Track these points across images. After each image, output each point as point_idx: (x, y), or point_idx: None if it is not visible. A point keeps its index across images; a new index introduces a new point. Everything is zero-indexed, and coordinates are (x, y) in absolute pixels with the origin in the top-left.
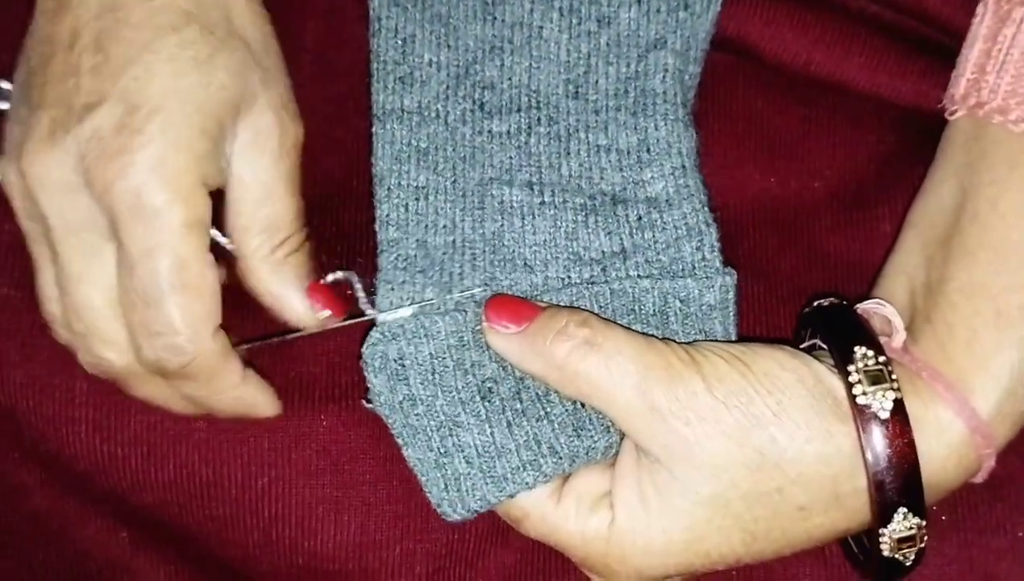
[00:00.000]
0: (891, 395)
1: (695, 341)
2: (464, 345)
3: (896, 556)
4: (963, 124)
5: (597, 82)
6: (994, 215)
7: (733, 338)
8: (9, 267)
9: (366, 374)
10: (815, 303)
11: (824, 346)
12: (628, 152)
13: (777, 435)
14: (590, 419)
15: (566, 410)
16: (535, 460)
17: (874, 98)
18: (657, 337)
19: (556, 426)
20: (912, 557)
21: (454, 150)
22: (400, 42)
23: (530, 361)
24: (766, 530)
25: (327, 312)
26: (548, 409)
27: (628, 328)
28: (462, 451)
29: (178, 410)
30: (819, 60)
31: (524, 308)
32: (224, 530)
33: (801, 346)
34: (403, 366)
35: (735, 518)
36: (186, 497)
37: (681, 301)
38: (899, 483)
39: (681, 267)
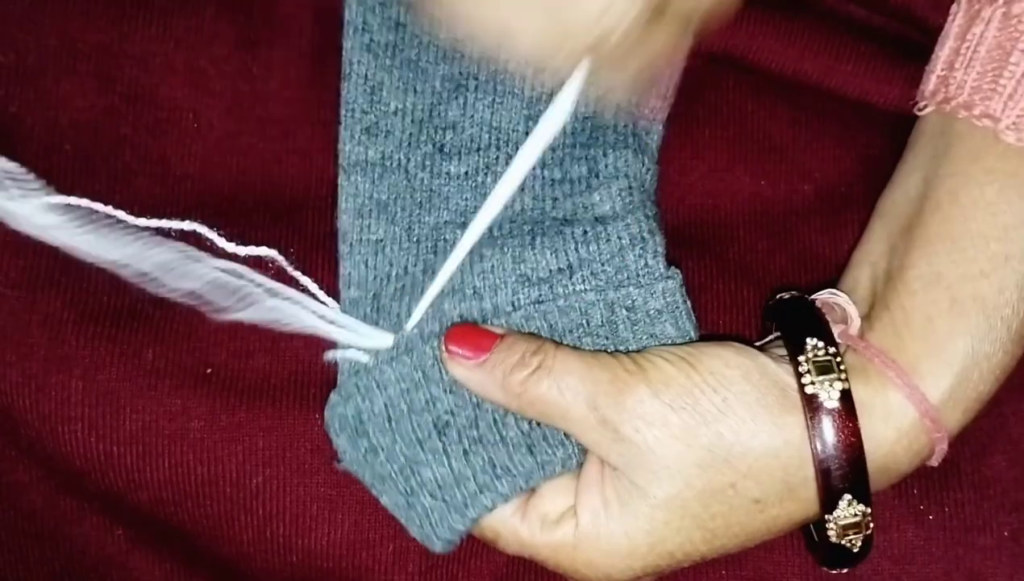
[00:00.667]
0: (839, 385)
1: (646, 347)
2: (416, 385)
3: (843, 542)
4: (932, 119)
5: None
6: (955, 206)
7: (692, 335)
8: (5, 266)
9: (329, 435)
10: (777, 296)
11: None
12: (579, 180)
13: (724, 431)
14: (545, 436)
15: (521, 431)
16: (491, 483)
17: (862, 103)
18: (608, 349)
19: (511, 447)
20: (859, 544)
21: (411, 198)
22: (368, 90)
23: (491, 391)
24: (725, 526)
25: None
26: (504, 432)
27: (578, 348)
28: (425, 487)
29: None
30: (808, 69)
31: (482, 338)
32: (219, 528)
33: (765, 339)
34: (361, 421)
35: (693, 517)
36: (181, 495)
37: (627, 310)
38: (844, 470)
39: (626, 276)
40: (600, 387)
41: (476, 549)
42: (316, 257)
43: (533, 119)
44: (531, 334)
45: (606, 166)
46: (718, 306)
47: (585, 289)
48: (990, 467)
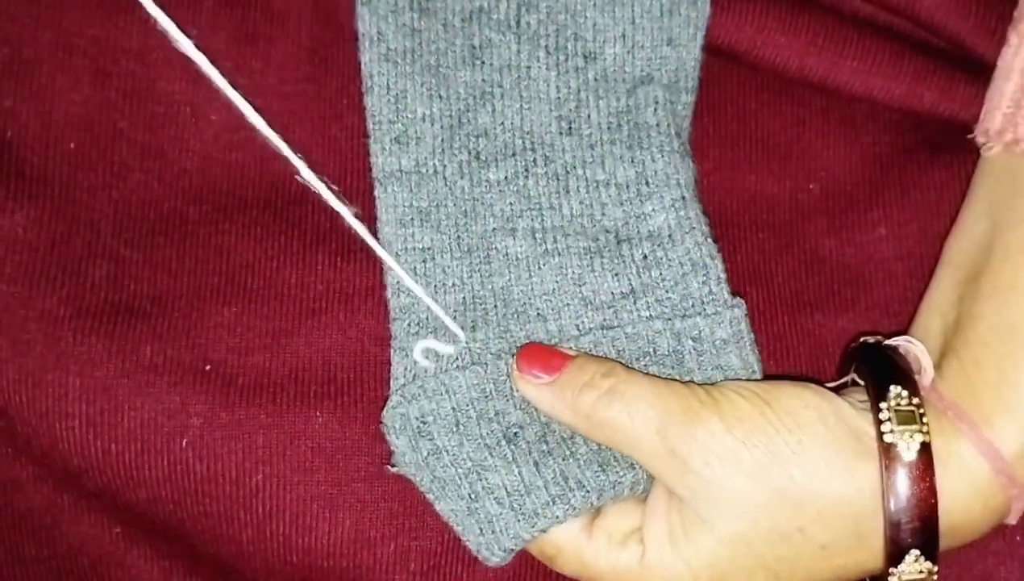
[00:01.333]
0: (919, 437)
1: (718, 380)
2: (487, 396)
3: None
4: (998, 159)
5: (589, 117)
6: None
7: (755, 367)
8: (1, 262)
9: (387, 437)
10: (860, 340)
11: (860, 381)
12: (627, 185)
13: (796, 474)
14: (614, 456)
15: (591, 449)
16: (564, 494)
17: (867, 100)
18: (675, 378)
19: (582, 463)
20: None
21: (455, 205)
22: (393, 99)
23: (559, 411)
24: (790, 569)
25: None
26: (573, 449)
27: (650, 374)
28: (492, 493)
29: None
30: (812, 65)
31: (554, 358)
32: (218, 527)
33: (835, 383)
34: (424, 423)
35: (757, 557)
36: (180, 493)
37: (694, 339)
38: (915, 525)
39: (691, 303)
40: (672, 416)
41: None
42: (316, 253)
43: (564, 119)
44: (602, 358)
45: (655, 173)
46: None
47: (651, 315)
48: None
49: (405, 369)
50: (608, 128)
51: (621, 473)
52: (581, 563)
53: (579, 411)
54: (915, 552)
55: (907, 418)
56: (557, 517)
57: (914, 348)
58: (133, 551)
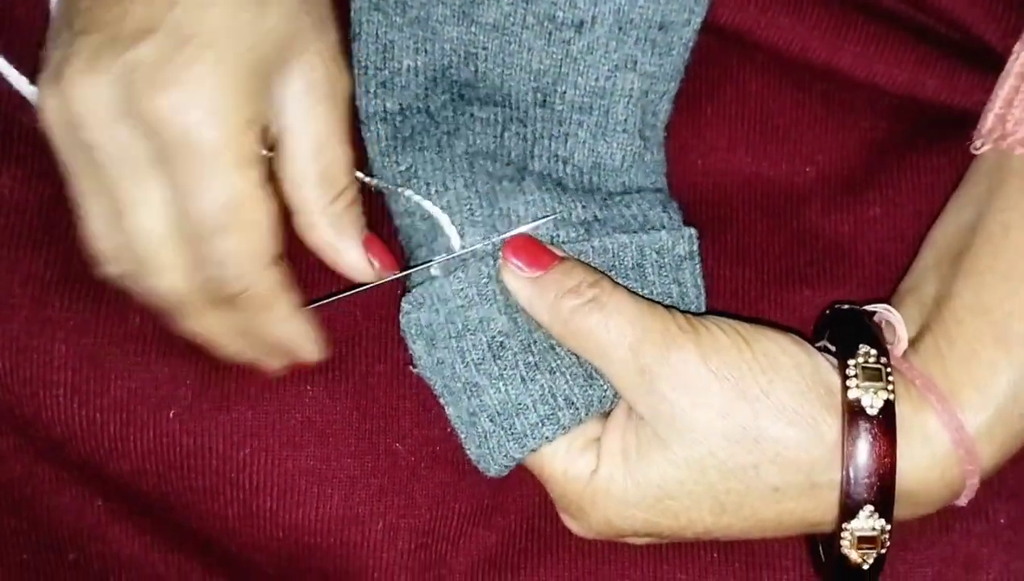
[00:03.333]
0: (883, 395)
1: (674, 294)
2: (471, 302)
3: (853, 554)
4: (988, 155)
5: (564, 93)
6: (1006, 241)
7: (702, 289)
8: None
9: (407, 341)
10: (834, 306)
11: (834, 349)
12: (584, 170)
13: (761, 412)
14: (596, 369)
15: (574, 360)
16: (552, 414)
17: (869, 86)
18: (637, 290)
19: (568, 377)
20: (871, 561)
21: (437, 128)
22: (380, 48)
23: (537, 309)
24: (736, 504)
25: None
26: (559, 360)
27: (634, 293)
28: (485, 411)
29: (228, 351)
30: (814, 48)
31: (542, 254)
32: (203, 501)
33: (815, 345)
34: (432, 331)
35: (708, 486)
36: (165, 466)
37: (657, 253)
38: (871, 480)
39: (652, 228)
40: (648, 335)
41: (466, 529)
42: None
43: (540, 91)
44: (592, 267)
45: (612, 169)
46: (716, 286)
47: (618, 233)
48: None
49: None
50: (580, 109)
51: (606, 386)
52: (539, 460)
53: (557, 314)
54: (869, 507)
55: (873, 375)
56: (547, 437)
57: (891, 317)
58: (115, 525)
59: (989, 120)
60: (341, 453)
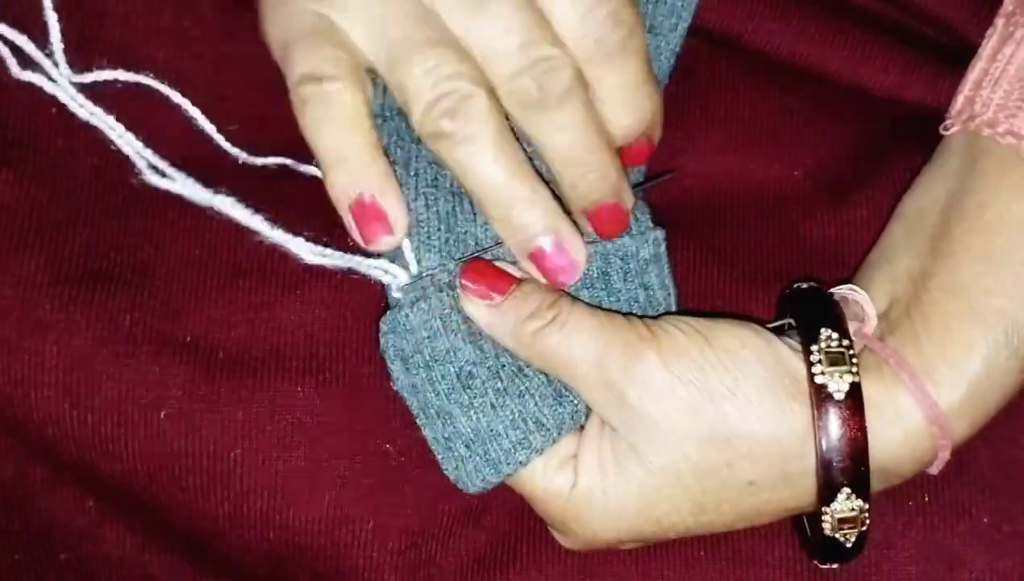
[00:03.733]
0: (848, 378)
1: (641, 298)
2: (436, 334)
3: (836, 536)
4: (957, 135)
5: None
6: (980, 221)
7: (671, 289)
8: None
9: (387, 360)
10: (794, 286)
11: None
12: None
13: (729, 410)
14: (564, 386)
15: (542, 380)
16: (524, 439)
17: (856, 89)
18: (603, 300)
19: (538, 398)
20: (853, 539)
21: (410, 136)
22: None
23: (500, 334)
24: (715, 502)
25: None
26: (527, 383)
27: (591, 306)
28: (459, 437)
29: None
30: (802, 52)
31: (501, 278)
32: (194, 502)
33: (774, 325)
34: (404, 355)
35: (685, 489)
36: (156, 467)
37: (621, 259)
38: (846, 463)
39: None
40: (611, 350)
41: (456, 529)
42: (300, 226)
43: None
44: (546, 285)
45: None
46: (704, 289)
47: (585, 240)
48: (970, 452)
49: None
50: None
51: (576, 403)
52: (519, 480)
53: (520, 338)
54: (847, 490)
55: (837, 359)
56: (520, 462)
57: (858, 296)
58: (106, 525)
59: (959, 101)
60: (332, 454)
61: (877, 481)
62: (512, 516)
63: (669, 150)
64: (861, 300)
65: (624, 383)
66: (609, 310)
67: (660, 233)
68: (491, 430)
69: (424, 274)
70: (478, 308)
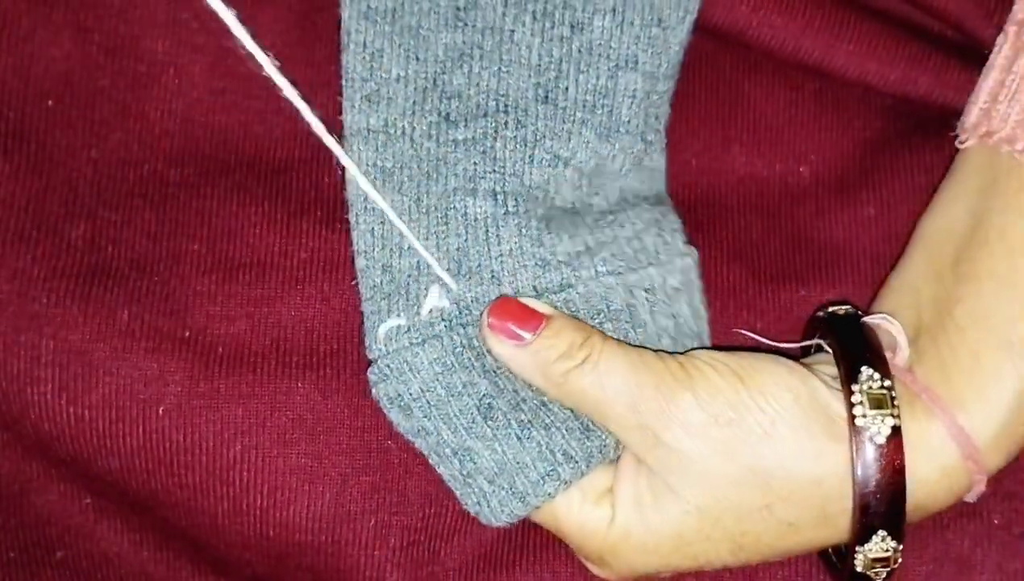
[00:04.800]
0: (890, 421)
1: (670, 328)
2: (450, 369)
3: (868, 573)
4: (975, 150)
5: (567, 89)
6: (1002, 244)
7: (703, 315)
8: None
9: (383, 408)
10: (829, 309)
11: (827, 349)
12: (584, 173)
13: (767, 453)
14: (592, 421)
15: (568, 415)
16: (553, 470)
17: (862, 85)
18: (628, 333)
19: (565, 431)
20: (883, 576)
21: (418, 167)
22: (368, 57)
23: (530, 375)
24: (754, 543)
25: None
26: (552, 416)
27: (624, 344)
28: (482, 473)
29: None
30: (808, 47)
31: (529, 317)
32: (193, 498)
33: (801, 344)
34: (404, 402)
35: (724, 530)
36: (154, 463)
37: (646, 291)
38: (883, 508)
39: (645, 256)
40: (644, 392)
41: (459, 526)
42: (300, 221)
43: (542, 86)
44: (578, 322)
45: (612, 171)
46: (711, 286)
47: (606, 271)
48: None
49: (374, 344)
50: (584, 106)
51: (604, 436)
52: (553, 515)
53: (550, 378)
54: (882, 532)
55: (879, 401)
56: (549, 494)
57: (891, 327)
58: (103, 522)
59: (973, 114)
60: (332, 450)
61: (911, 517)
62: None
63: (672, 146)
64: (895, 332)
65: (659, 425)
66: (638, 347)
67: (690, 259)
68: (517, 462)
69: (432, 311)
70: (508, 350)
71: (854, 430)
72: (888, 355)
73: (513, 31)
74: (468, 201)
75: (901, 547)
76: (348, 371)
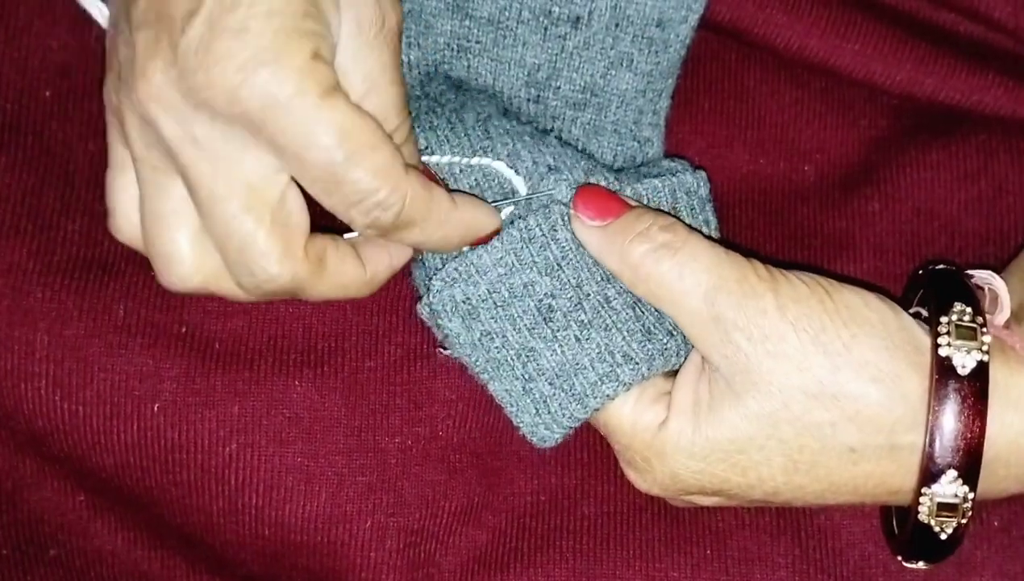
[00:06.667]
0: (976, 355)
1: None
2: (512, 269)
3: (931, 522)
4: None
5: (559, 88)
6: None
7: (719, 231)
8: None
9: (438, 321)
10: (928, 266)
11: (926, 312)
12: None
13: (842, 367)
14: (656, 322)
15: (631, 315)
16: (612, 371)
17: (868, 84)
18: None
19: (625, 333)
20: (949, 531)
21: (443, 108)
22: None
23: (607, 256)
24: (810, 463)
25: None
26: (613, 316)
27: (710, 239)
28: (543, 374)
29: (363, 292)
30: (813, 46)
31: (611, 202)
32: (188, 496)
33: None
34: (472, 305)
35: (780, 441)
36: (149, 460)
37: (686, 194)
38: (957, 443)
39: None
40: (724, 283)
41: (456, 528)
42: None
43: (533, 86)
44: (664, 212)
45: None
46: None
47: (648, 173)
48: None
49: (428, 259)
50: (574, 105)
51: (665, 340)
52: (605, 413)
53: (627, 260)
54: (953, 472)
55: (967, 334)
56: (608, 396)
57: (995, 283)
58: (97, 520)
59: None
60: (329, 450)
61: (990, 474)
62: (514, 515)
63: (676, 143)
64: (997, 287)
65: (733, 320)
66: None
67: (706, 173)
68: (576, 363)
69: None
70: (588, 231)
71: (937, 359)
72: (987, 316)
73: (512, 25)
74: (504, 121)
75: (973, 496)
76: (346, 369)
